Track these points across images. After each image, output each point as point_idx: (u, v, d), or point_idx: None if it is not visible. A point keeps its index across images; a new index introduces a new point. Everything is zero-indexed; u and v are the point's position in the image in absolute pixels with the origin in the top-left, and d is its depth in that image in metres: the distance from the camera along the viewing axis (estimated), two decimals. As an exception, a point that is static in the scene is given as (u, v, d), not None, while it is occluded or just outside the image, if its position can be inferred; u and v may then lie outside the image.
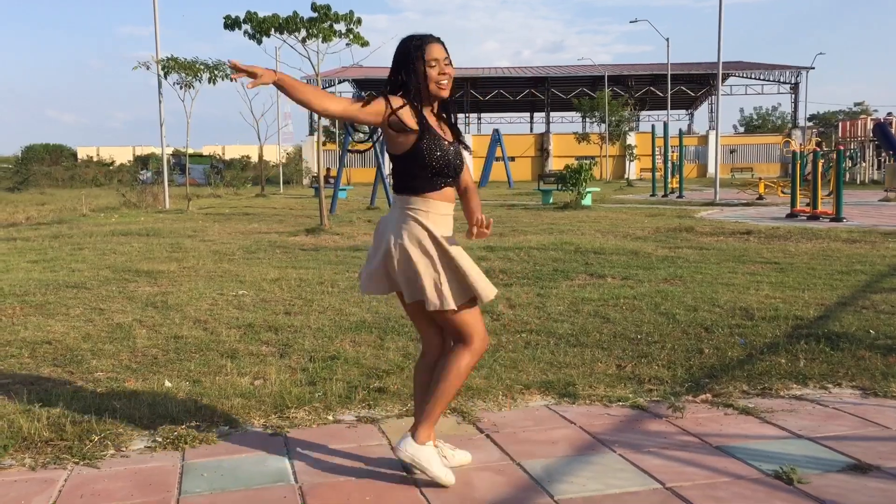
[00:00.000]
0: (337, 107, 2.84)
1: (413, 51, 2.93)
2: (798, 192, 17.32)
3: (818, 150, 18.48)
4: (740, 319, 5.70)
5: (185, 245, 11.49)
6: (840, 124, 45.57)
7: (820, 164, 17.19)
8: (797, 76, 62.28)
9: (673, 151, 30.90)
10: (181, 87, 22.97)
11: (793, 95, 63.63)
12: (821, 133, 58.35)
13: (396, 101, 2.89)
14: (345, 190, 27.46)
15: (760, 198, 23.66)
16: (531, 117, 76.34)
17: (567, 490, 2.86)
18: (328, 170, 32.73)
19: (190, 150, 29.92)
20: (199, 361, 4.70)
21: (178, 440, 3.40)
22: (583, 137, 54.96)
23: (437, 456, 2.96)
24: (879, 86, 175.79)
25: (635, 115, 60.45)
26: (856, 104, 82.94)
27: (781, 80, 64.41)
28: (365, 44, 14.62)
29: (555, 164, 53.99)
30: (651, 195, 27.87)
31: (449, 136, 3.02)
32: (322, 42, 14.56)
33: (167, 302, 6.67)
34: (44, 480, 3.02)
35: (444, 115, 3.06)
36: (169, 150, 32.56)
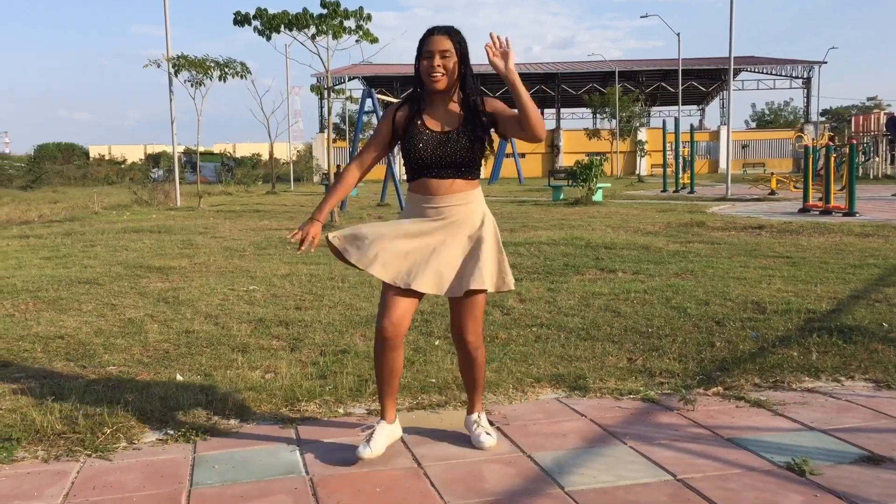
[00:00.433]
0: (364, 165, 3.21)
1: (420, 41, 3.05)
2: (810, 186, 17.23)
3: (831, 144, 18.34)
4: (752, 313, 5.67)
5: (197, 242, 11.54)
6: (853, 118, 45.24)
7: (833, 159, 17.08)
8: (809, 71, 61.93)
9: (684, 147, 30.79)
10: (192, 85, 23.06)
11: (805, 90, 63.29)
12: (833, 128, 57.99)
13: (396, 106, 3.21)
14: (355, 187, 27.48)
15: (772, 193, 23.54)
16: (541, 114, 76.24)
17: (578, 482, 2.86)
18: (338, 166, 32.79)
19: (201, 149, 30.02)
20: (211, 356, 4.71)
21: (190, 433, 3.41)
22: (593, 133, 54.88)
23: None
24: (893, 80, 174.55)
25: (646, 111, 60.29)
26: (869, 98, 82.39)
27: (793, 75, 64.06)
28: (374, 40, 14.63)
29: (565, 161, 53.89)
30: (662, 191, 27.77)
31: (438, 127, 3.06)
32: (332, 39, 14.58)
33: (178, 297, 6.69)
34: (56, 472, 3.04)
35: (470, 104, 3.08)
36: (180, 148, 32.67)
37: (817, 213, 15.53)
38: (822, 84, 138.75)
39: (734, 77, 41.55)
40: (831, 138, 24.32)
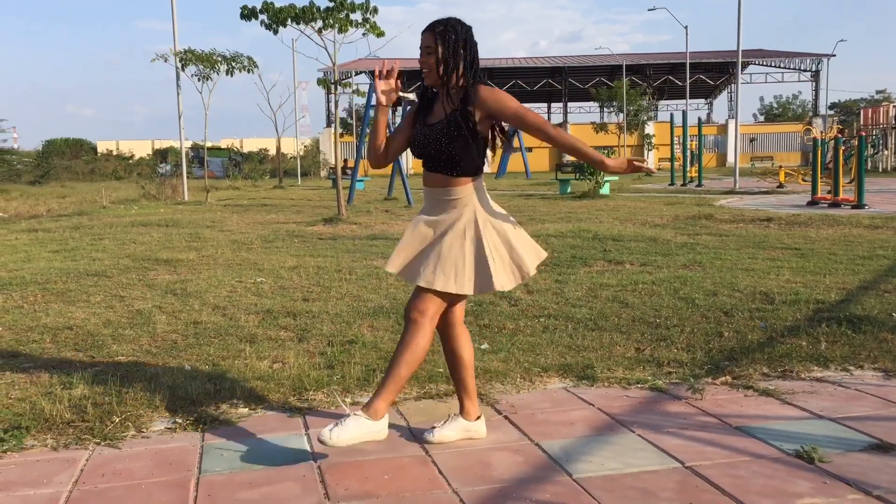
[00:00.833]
0: (390, 151, 3.20)
1: None
2: (819, 179, 17.15)
3: (840, 136, 18.26)
4: (760, 303, 5.65)
5: (204, 235, 11.56)
6: (862, 111, 45.03)
7: (841, 151, 17.00)
8: (818, 64, 61.61)
9: (692, 140, 30.68)
10: (199, 80, 23.07)
11: (813, 83, 62.95)
12: (842, 121, 57.72)
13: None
14: (362, 181, 27.50)
15: (781, 186, 23.45)
16: (549, 107, 76.03)
17: (586, 469, 2.85)
18: (345, 161, 32.81)
19: (208, 144, 30.05)
20: (219, 346, 4.72)
21: (198, 421, 3.42)
22: (601, 127, 54.71)
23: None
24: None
25: (653, 105, 60.04)
26: (878, 92, 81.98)
27: (802, 68, 63.72)
28: (381, 34, 14.57)
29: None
30: (670, 184, 27.67)
31: (429, 120, 3.10)
32: (338, 32, 14.55)
33: (186, 289, 6.71)
34: (66, 460, 3.05)
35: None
36: (187, 143, 32.70)
37: (826, 205, 15.46)
38: (831, 77, 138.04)
39: (742, 70, 41.32)
40: (840, 131, 24.21)
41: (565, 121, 64.52)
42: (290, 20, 14.35)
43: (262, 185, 36.09)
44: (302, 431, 3.32)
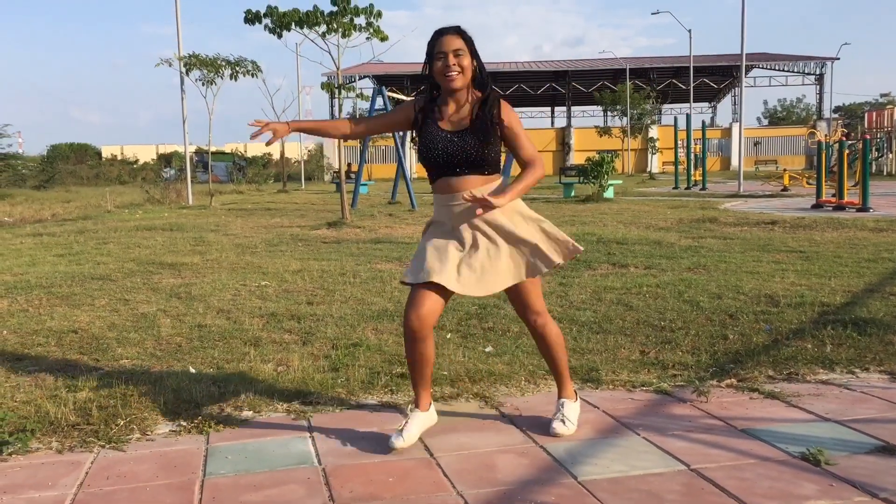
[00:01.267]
0: (359, 126, 3.25)
1: (429, 44, 3.10)
2: (824, 182, 17.12)
3: (844, 139, 18.21)
4: (765, 306, 5.64)
5: (209, 239, 11.58)
6: (866, 114, 44.95)
7: (846, 155, 16.97)
8: (822, 67, 61.57)
9: (696, 144, 30.67)
10: (203, 84, 23.13)
11: (818, 87, 62.95)
12: (846, 124, 57.61)
13: (420, 100, 3.21)
14: (366, 185, 27.51)
15: (785, 189, 23.42)
16: (552, 111, 76.10)
17: (590, 471, 2.85)
18: (349, 165, 32.85)
19: (212, 148, 30.11)
20: (223, 349, 4.72)
21: (203, 424, 3.42)
22: (604, 131, 54.75)
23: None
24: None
25: (657, 108, 60.03)
26: (882, 95, 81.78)
27: (806, 72, 63.70)
28: (385, 38, 14.60)
29: (576, 159, 53.76)
30: (674, 188, 27.66)
31: (451, 127, 3.10)
32: (342, 37, 14.57)
33: (191, 293, 6.72)
34: (70, 463, 3.06)
35: (484, 106, 3.11)
36: (192, 148, 32.77)
37: (831, 208, 15.44)
38: (835, 81, 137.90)
39: (746, 74, 41.28)
40: (845, 134, 24.18)
41: (569, 125, 64.55)
42: (293, 24, 14.38)
43: (266, 189, 36.15)
44: (306, 434, 3.31)
